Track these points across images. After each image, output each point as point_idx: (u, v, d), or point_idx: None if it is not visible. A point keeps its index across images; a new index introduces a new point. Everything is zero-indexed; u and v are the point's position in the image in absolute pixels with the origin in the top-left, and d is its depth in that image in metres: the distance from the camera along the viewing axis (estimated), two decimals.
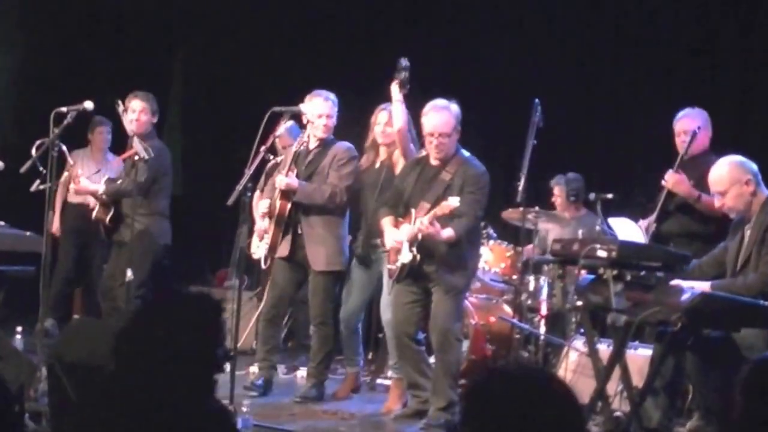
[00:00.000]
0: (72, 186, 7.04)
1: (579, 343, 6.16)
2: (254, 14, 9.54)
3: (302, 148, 6.33)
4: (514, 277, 7.19)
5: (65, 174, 7.11)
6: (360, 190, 6.38)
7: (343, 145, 6.38)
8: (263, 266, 6.49)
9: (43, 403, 4.87)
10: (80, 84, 8.32)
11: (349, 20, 9.35)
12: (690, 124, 6.03)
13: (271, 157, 6.69)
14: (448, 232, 5.51)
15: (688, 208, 5.92)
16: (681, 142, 6.06)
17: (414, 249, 5.59)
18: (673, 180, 5.91)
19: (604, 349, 5.55)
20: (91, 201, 6.94)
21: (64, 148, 6.34)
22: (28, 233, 6.03)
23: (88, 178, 7.01)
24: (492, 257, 7.31)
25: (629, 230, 5.84)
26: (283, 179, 6.23)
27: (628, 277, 4.76)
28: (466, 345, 6.54)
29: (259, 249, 6.46)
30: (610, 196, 6.62)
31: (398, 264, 5.67)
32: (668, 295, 4.56)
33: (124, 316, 5.84)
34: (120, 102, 6.65)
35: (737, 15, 7.89)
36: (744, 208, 4.95)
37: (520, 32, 8.63)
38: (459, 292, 5.77)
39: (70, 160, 6.83)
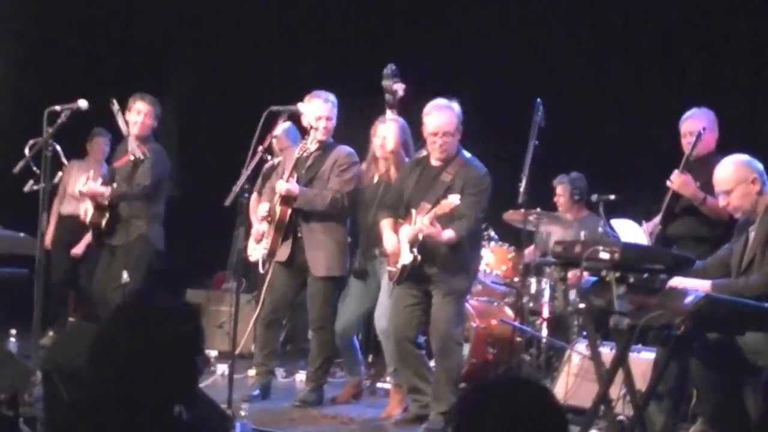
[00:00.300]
0: (69, 190, 6.96)
1: (581, 346, 6.11)
2: (253, 14, 9.51)
3: (304, 154, 6.23)
4: (516, 279, 7.14)
5: (58, 183, 6.97)
6: (358, 204, 6.28)
7: (345, 150, 6.28)
8: (261, 270, 6.42)
9: (38, 408, 4.80)
10: (77, 84, 8.23)
11: (348, 20, 9.32)
12: (695, 125, 5.98)
13: (269, 157, 6.62)
14: (448, 234, 5.46)
15: (694, 210, 5.86)
16: (687, 143, 6.00)
17: (414, 250, 5.54)
18: (678, 181, 5.84)
19: (607, 352, 5.50)
20: (83, 209, 6.78)
21: (58, 147, 6.24)
22: (21, 234, 5.97)
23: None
24: (493, 259, 7.27)
25: (632, 232, 5.78)
26: (284, 185, 6.13)
27: (631, 280, 4.71)
28: (467, 348, 6.50)
29: (255, 251, 6.38)
30: (612, 197, 6.57)
31: (398, 266, 5.61)
32: (672, 298, 4.51)
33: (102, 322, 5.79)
34: (114, 101, 6.56)
35: (746, 13, 7.81)
36: (750, 207, 4.89)
37: (522, 30, 8.57)
38: (460, 295, 5.72)
39: (65, 166, 6.74)
